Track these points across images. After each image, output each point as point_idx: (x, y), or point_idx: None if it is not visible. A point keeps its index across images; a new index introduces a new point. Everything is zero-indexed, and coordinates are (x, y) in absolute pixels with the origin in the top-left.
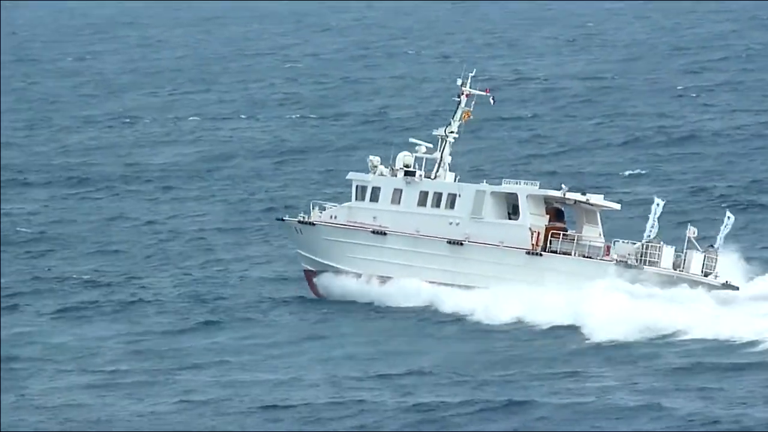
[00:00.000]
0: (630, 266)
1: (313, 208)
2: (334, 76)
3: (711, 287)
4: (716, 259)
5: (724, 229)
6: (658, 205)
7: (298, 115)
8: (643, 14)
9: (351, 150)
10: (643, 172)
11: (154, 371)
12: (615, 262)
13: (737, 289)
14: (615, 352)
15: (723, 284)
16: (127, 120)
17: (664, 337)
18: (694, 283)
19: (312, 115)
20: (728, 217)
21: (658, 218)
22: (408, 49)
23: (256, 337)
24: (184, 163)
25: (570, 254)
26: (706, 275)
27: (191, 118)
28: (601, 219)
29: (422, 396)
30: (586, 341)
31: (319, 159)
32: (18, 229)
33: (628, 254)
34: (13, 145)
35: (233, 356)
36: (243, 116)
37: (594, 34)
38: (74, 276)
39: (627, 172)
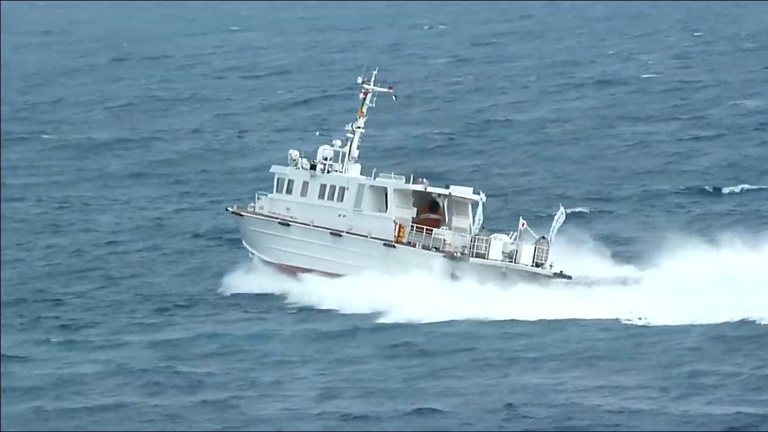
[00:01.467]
0: (454, 258)
1: (258, 199)
2: None
3: (544, 277)
4: (547, 250)
5: (557, 222)
6: (482, 199)
7: None
8: None
9: None
10: None
11: None
12: (443, 254)
13: (570, 278)
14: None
15: (555, 274)
16: None
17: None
18: (525, 274)
19: None
20: (561, 211)
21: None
22: None
23: None
24: None
25: (414, 246)
26: (537, 266)
27: None
28: (472, 211)
29: None
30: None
31: None
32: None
33: (462, 246)
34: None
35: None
36: None
37: None
38: None
39: None
